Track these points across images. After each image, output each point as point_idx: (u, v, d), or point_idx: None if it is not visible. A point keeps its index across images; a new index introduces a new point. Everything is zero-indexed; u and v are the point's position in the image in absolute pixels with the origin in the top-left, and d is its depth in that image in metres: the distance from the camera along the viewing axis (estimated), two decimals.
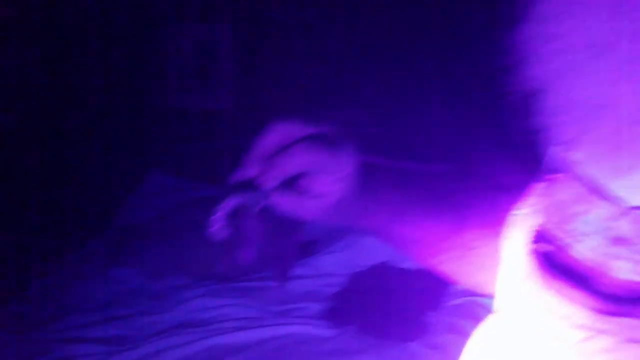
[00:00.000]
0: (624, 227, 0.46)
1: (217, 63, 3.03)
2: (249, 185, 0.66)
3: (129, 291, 2.23)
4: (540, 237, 0.55)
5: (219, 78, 3.03)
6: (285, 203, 0.68)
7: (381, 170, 0.75)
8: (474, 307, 2.15)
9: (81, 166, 3.02)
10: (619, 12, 0.41)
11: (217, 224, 0.67)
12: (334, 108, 2.82)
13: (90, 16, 2.96)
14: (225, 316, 2.00)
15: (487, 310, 0.67)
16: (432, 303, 2.16)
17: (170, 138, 3.05)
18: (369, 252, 2.47)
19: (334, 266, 2.42)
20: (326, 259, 2.41)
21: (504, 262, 0.62)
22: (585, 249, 0.49)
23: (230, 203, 0.67)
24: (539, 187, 0.59)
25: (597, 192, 0.48)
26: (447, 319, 2.04)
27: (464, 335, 1.87)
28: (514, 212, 0.61)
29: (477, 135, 2.36)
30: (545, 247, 0.54)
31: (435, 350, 1.81)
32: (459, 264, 0.78)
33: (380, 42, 2.86)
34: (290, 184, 0.69)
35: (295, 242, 0.73)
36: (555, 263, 0.52)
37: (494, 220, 0.67)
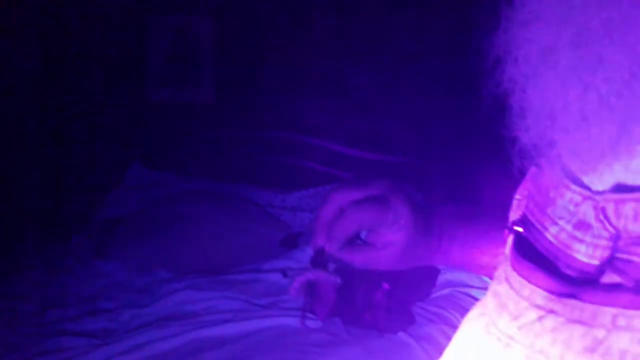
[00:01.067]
0: (586, 212, 0.48)
1: (198, 56, 3.01)
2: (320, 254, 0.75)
3: (113, 284, 2.22)
4: (522, 220, 0.58)
5: (200, 71, 3.02)
6: (357, 259, 0.75)
7: (442, 211, 0.81)
8: (460, 298, 2.16)
9: (63, 160, 3.00)
10: (559, 24, 0.42)
11: (295, 291, 0.75)
12: (318, 98, 2.82)
13: (66, 8, 2.93)
14: (210, 309, 2.00)
15: (474, 300, 0.69)
16: (417, 294, 2.16)
17: (151, 131, 3.04)
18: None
19: None
20: (311, 250, 2.40)
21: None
22: (554, 232, 0.51)
23: (304, 278, 0.75)
24: (529, 173, 0.62)
25: (570, 178, 0.50)
26: (433, 310, 2.04)
27: (451, 325, 1.88)
28: (515, 196, 0.64)
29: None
30: (519, 230, 0.57)
31: (421, 341, 1.81)
32: None
33: (366, 37, 2.87)
34: (357, 241, 0.77)
35: (383, 291, 0.80)
36: (526, 245, 0.55)
37: None
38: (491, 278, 0.86)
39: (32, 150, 2.93)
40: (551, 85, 0.45)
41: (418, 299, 2.17)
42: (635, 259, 0.43)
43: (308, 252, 2.39)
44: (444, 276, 2.33)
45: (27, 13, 2.87)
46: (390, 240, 0.72)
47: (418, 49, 2.81)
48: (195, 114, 3.02)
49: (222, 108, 3.00)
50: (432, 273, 2.34)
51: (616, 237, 0.45)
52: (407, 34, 2.84)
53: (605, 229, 0.46)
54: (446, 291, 2.22)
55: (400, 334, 1.87)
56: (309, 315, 0.71)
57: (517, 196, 0.63)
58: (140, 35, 2.98)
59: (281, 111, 2.91)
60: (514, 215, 0.62)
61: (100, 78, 2.99)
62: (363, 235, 0.75)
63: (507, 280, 0.55)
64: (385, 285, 0.77)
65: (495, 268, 0.80)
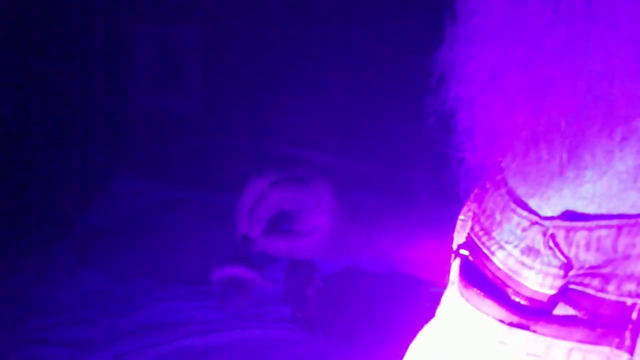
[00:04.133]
0: (534, 237, 0.46)
1: (186, 65, 3.01)
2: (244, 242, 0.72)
3: (95, 293, 2.21)
4: (467, 244, 0.56)
5: (187, 80, 3.01)
6: (282, 246, 0.72)
7: (372, 203, 0.79)
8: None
9: (48, 167, 2.98)
10: (507, 43, 0.41)
11: (218, 283, 0.73)
12: (306, 110, 2.83)
13: (56, 16, 2.92)
14: (192, 319, 1.99)
15: None
16: (403, 306, 2.16)
17: (138, 140, 3.03)
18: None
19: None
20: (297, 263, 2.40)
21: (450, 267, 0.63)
22: (501, 258, 0.49)
23: (226, 272, 0.73)
24: (474, 194, 0.60)
25: (516, 201, 0.49)
26: (419, 323, 2.04)
27: None
28: (460, 217, 0.62)
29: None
30: (468, 254, 0.55)
31: (403, 354, 1.81)
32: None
33: (339, 52, 2.87)
34: (279, 229, 0.74)
35: (316, 287, 0.76)
36: (474, 271, 0.53)
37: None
38: (419, 275, 0.86)
39: (14, 157, 2.91)
40: (499, 105, 0.43)
41: (403, 312, 2.18)
42: (589, 291, 0.41)
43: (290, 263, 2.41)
44: (428, 289, 2.32)
45: (8, 16, 2.86)
46: (313, 225, 0.68)
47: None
48: (182, 122, 3.01)
49: (209, 117, 3.00)
50: (417, 286, 2.33)
51: (567, 266, 0.44)
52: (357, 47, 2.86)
53: (556, 256, 0.45)
54: (429, 304, 2.22)
55: (383, 347, 1.87)
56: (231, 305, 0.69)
57: (461, 217, 0.60)
58: (128, 43, 2.97)
59: (268, 121, 2.91)
60: (458, 236, 0.60)
61: (87, 85, 2.98)
62: (286, 224, 0.72)
63: (456, 306, 0.53)
64: (318, 280, 0.73)
65: (424, 264, 0.79)
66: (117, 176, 2.96)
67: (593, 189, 0.42)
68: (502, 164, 0.48)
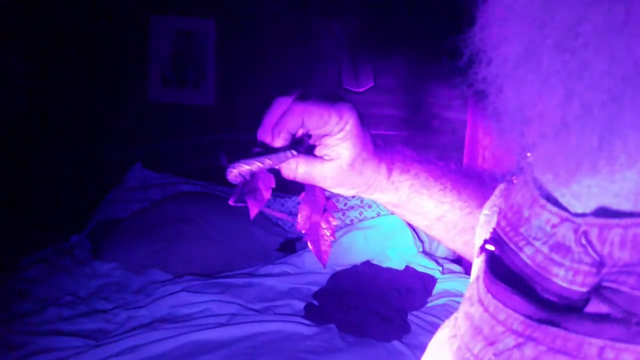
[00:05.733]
0: (565, 234, 0.46)
1: (201, 58, 3.01)
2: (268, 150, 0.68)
3: (109, 285, 2.22)
4: (494, 239, 0.55)
5: (201, 73, 3.02)
6: (301, 168, 0.68)
7: (398, 144, 0.76)
8: (456, 308, 2.14)
9: (63, 160, 3.00)
10: (543, 24, 0.40)
11: (236, 171, 0.66)
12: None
13: (72, 8, 2.93)
14: (205, 312, 2.00)
15: None
16: (413, 303, 2.17)
17: (153, 132, 3.04)
18: (352, 250, 2.48)
19: (316, 264, 2.42)
20: (309, 256, 2.41)
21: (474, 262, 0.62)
22: (529, 254, 0.48)
23: (251, 163, 0.67)
24: (500, 188, 0.59)
25: (546, 196, 0.48)
26: (429, 319, 2.04)
27: None
28: (484, 212, 0.61)
29: None
30: (493, 249, 0.54)
31: (415, 350, 1.81)
32: None
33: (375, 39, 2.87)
34: (303, 144, 0.70)
35: (328, 218, 0.73)
36: (500, 266, 0.52)
37: None
38: (426, 233, 0.83)
39: (32, 149, 2.93)
40: (530, 88, 0.43)
41: (414, 307, 2.18)
42: (624, 289, 0.40)
43: (306, 258, 2.42)
44: (441, 285, 2.33)
45: (28, 12, 2.87)
46: (336, 151, 0.66)
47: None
48: (196, 115, 3.02)
49: (223, 110, 3.01)
50: (428, 282, 2.34)
51: (600, 264, 0.43)
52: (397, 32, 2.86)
53: (588, 254, 0.43)
54: (442, 300, 2.22)
55: (395, 343, 1.87)
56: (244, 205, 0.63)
57: (485, 211, 0.59)
58: (143, 36, 2.98)
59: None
60: (482, 232, 0.59)
61: (102, 78, 2.99)
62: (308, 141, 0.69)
63: (481, 302, 0.52)
64: (331, 208, 0.70)
65: (438, 219, 0.77)
66: (133, 169, 2.97)
67: (628, 185, 0.42)
68: (530, 150, 0.48)
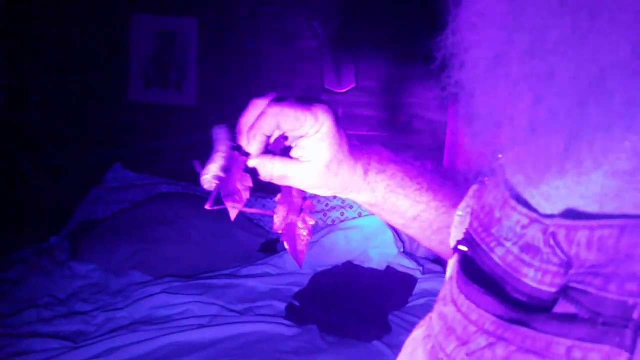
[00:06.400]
0: (534, 235, 0.46)
1: (182, 58, 3.00)
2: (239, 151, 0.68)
3: (89, 287, 2.21)
4: (466, 239, 0.55)
5: (183, 73, 3.01)
6: (276, 169, 0.68)
7: (374, 142, 0.76)
8: None
9: (42, 160, 2.98)
10: (513, 30, 0.41)
11: (208, 176, 0.66)
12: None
13: (51, 6, 2.92)
14: (185, 313, 1.99)
15: None
16: (394, 303, 2.17)
17: (133, 132, 3.02)
18: (333, 251, 2.48)
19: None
20: (290, 257, 2.41)
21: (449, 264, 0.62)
22: (500, 254, 0.49)
23: (220, 158, 0.67)
24: (473, 189, 0.60)
25: (516, 198, 0.49)
26: (409, 319, 2.05)
27: None
28: (457, 212, 0.61)
29: None
30: (466, 249, 0.55)
31: (396, 350, 1.81)
32: None
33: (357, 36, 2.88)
34: (275, 152, 0.70)
35: (305, 219, 0.73)
36: (473, 267, 0.52)
37: None
38: (402, 232, 0.84)
39: (11, 150, 2.91)
40: (501, 93, 0.43)
41: (395, 307, 2.19)
42: (590, 290, 0.41)
43: (287, 259, 2.42)
44: (422, 285, 2.34)
45: (6, 11, 2.85)
46: (311, 153, 0.66)
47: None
48: (177, 116, 3.01)
49: (204, 111, 3.00)
50: (409, 282, 2.35)
51: (567, 265, 0.44)
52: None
53: (556, 255, 0.44)
54: (423, 300, 2.23)
55: (376, 343, 1.88)
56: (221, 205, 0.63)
57: (458, 212, 0.60)
58: (125, 36, 2.96)
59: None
60: (456, 232, 0.59)
61: (84, 78, 2.97)
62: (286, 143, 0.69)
63: (454, 302, 0.52)
64: (309, 208, 0.70)
65: (414, 219, 0.78)
66: (113, 169, 2.96)
67: (594, 188, 0.42)
68: (501, 153, 0.48)
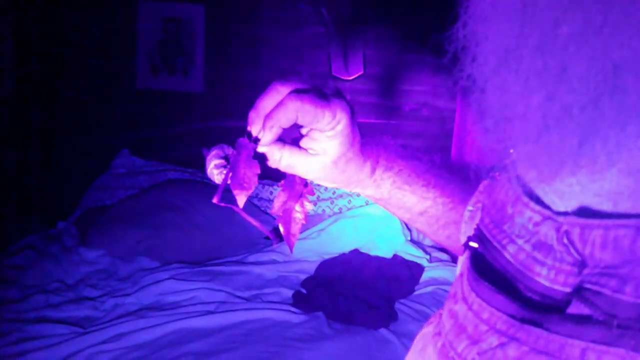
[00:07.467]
0: (547, 233, 0.45)
1: (189, 44, 3.00)
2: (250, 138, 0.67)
3: (97, 272, 2.21)
4: (477, 235, 0.54)
5: (190, 60, 3.00)
6: (286, 156, 0.68)
7: (384, 139, 0.75)
8: (443, 296, 2.16)
9: (50, 146, 2.98)
10: (524, 25, 0.40)
11: (214, 165, 0.66)
12: None
13: None
14: (193, 300, 2.00)
15: None
16: (401, 291, 2.17)
17: (140, 119, 3.02)
18: (340, 239, 2.48)
19: (305, 252, 2.43)
20: (298, 245, 2.41)
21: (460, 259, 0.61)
22: (512, 252, 0.48)
23: (221, 150, 0.67)
24: (484, 184, 0.59)
25: (529, 194, 0.48)
26: (416, 307, 2.05)
27: None
28: (468, 207, 0.60)
29: None
30: (477, 246, 0.53)
31: (402, 337, 1.82)
32: None
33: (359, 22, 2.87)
34: (287, 141, 0.69)
35: (303, 206, 0.73)
36: (484, 263, 0.51)
37: None
38: (408, 225, 0.83)
39: (19, 136, 2.91)
40: (512, 89, 0.42)
41: (402, 295, 2.19)
42: (605, 291, 0.40)
43: (294, 246, 2.41)
44: (428, 273, 2.34)
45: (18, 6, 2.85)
46: (323, 147, 0.66)
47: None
48: (184, 103, 3.00)
49: (211, 98, 3.00)
50: (416, 270, 2.35)
51: (581, 264, 0.43)
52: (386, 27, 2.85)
53: (569, 253, 0.44)
54: (429, 289, 2.23)
55: (383, 330, 1.88)
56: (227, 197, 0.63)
57: (469, 207, 0.59)
58: (131, 22, 2.96)
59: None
60: (467, 227, 0.58)
61: (91, 65, 2.97)
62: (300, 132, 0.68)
63: (465, 300, 0.51)
64: (308, 193, 0.70)
65: (420, 214, 0.78)
66: (120, 155, 2.96)
67: (608, 186, 0.41)
68: (512, 149, 0.47)
